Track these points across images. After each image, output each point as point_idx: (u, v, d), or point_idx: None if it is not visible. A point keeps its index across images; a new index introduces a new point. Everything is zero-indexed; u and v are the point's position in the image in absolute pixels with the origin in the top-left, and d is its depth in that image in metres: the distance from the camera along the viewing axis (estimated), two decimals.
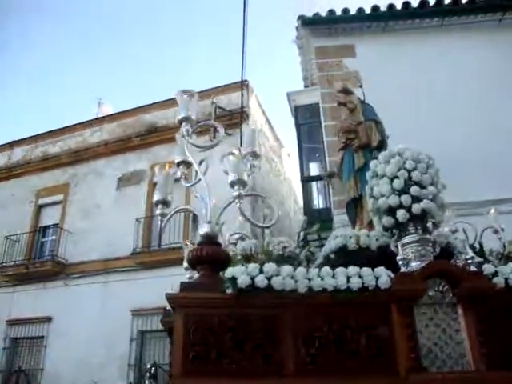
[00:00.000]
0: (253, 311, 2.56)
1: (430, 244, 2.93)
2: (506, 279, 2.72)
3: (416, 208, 2.86)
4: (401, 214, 2.88)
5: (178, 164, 3.28)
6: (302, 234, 3.16)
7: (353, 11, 7.26)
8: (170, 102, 12.42)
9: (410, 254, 2.87)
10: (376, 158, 3.20)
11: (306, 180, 7.95)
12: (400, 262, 2.65)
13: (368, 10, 7.21)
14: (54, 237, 12.55)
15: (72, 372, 10.17)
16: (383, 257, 2.94)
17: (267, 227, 3.10)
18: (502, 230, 4.04)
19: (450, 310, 2.65)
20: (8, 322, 11.48)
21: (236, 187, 2.79)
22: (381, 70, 6.59)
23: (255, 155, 3.17)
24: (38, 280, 11.70)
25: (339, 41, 7.20)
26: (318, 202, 8.03)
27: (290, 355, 2.48)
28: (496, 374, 2.39)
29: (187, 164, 3.22)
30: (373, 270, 2.68)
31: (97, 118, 13.93)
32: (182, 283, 2.66)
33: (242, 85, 10.91)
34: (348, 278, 2.63)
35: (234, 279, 2.56)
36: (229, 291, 2.54)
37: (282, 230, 8.61)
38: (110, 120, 13.39)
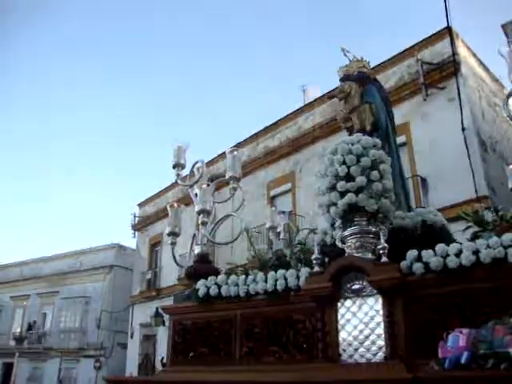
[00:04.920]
0: (213, 314, 3.25)
1: (371, 235, 2.89)
2: (427, 264, 2.51)
3: (342, 204, 2.90)
4: (333, 211, 2.97)
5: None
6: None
7: None
8: (381, 67, 11.06)
9: (348, 248, 2.93)
10: None
11: None
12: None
13: None
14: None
15: None
16: None
17: (225, 244, 3.63)
18: None
19: (373, 302, 2.66)
20: None
21: (201, 216, 3.50)
22: None
23: (236, 179, 3.75)
24: None
25: None
26: None
27: (237, 348, 3.06)
28: (392, 364, 2.36)
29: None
30: None
31: (306, 104, 14.27)
32: (174, 295, 3.57)
33: (450, 31, 9.93)
34: (276, 280, 2.99)
35: (197, 290, 3.31)
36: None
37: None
38: (319, 103, 13.38)
